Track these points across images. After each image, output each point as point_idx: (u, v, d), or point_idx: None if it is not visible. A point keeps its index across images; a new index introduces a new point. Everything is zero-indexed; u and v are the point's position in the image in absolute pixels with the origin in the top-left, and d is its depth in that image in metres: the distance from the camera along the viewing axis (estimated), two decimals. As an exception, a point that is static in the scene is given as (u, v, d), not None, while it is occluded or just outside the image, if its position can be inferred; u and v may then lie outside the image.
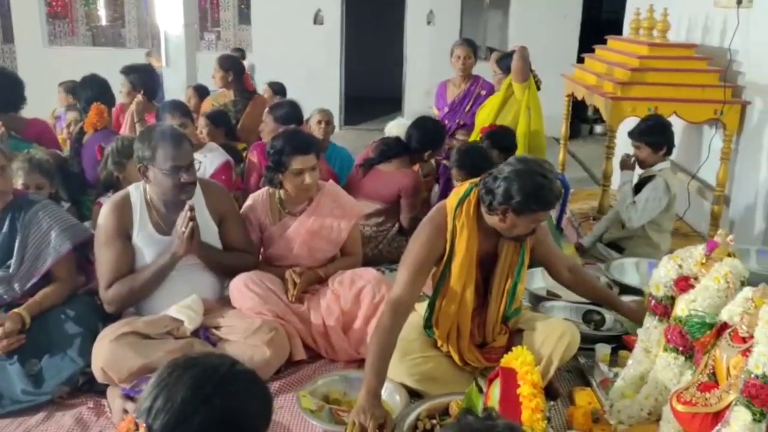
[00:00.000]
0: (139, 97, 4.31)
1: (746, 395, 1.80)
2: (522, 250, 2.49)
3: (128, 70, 4.64)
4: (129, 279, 2.69)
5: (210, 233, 2.83)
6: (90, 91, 4.34)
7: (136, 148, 2.72)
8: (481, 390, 2.33)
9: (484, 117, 4.27)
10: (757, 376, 1.78)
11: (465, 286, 2.44)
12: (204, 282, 2.84)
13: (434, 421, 2.27)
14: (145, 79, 4.56)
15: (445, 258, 2.44)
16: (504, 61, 4.39)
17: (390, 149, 3.95)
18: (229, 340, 2.66)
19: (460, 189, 2.49)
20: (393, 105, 10.54)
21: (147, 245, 2.73)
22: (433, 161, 4.47)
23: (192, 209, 2.66)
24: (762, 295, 1.86)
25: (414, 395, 2.44)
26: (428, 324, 2.58)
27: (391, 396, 2.40)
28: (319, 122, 4.37)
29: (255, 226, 3.04)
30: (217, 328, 2.70)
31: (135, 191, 2.79)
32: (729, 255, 2.16)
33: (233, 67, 4.94)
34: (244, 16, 11.31)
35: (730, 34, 4.29)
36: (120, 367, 2.42)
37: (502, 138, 3.85)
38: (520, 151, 3.96)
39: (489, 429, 1.20)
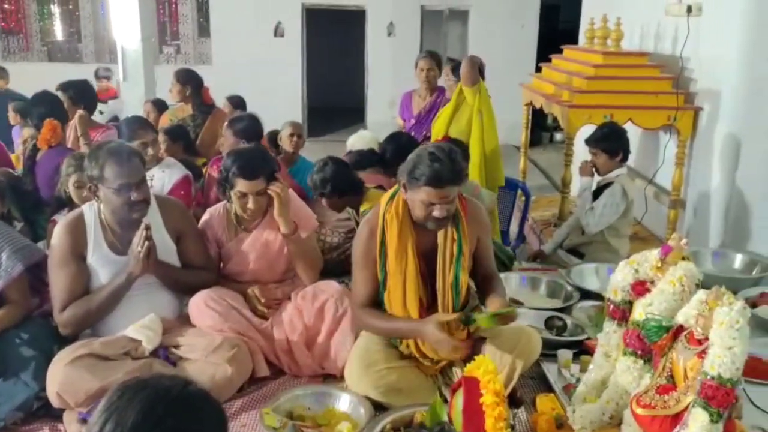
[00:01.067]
0: (81, 111, 4.24)
1: (703, 397, 1.83)
2: (459, 241, 2.51)
3: (65, 86, 4.55)
4: (84, 300, 2.62)
5: (168, 251, 2.77)
6: (42, 107, 4.24)
7: (85, 167, 2.66)
8: (445, 400, 2.32)
9: (439, 127, 4.31)
10: (713, 378, 1.82)
11: (405, 275, 2.48)
12: (162, 300, 2.78)
13: (399, 434, 2.26)
14: (83, 94, 4.48)
15: (380, 253, 2.50)
16: (458, 70, 4.44)
17: (364, 159, 4.01)
18: (190, 358, 2.61)
19: (393, 188, 2.57)
20: (355, 116, 10.57)
21: (102, 266, 2.66)
22: None
23: (148, 228, 2.60)
24: (716, 298, 1.89)
25: (379, 408, 2.42)
26: None
27: (356, 409, 2.38)
28: (291, 135, 4.35)
29: (212, 242, 2.98)
30: (176, 347, 2.65)
31: (89, 210, 2.72)
32: (683, 258, 2.20)
33: (190, 80, 4.88)
34: (203, 29, 11.22)
35: (681, 42, 4.39)
36: (77, 390, 2.36)
37: None
38: (474, 155, 4.05)
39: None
